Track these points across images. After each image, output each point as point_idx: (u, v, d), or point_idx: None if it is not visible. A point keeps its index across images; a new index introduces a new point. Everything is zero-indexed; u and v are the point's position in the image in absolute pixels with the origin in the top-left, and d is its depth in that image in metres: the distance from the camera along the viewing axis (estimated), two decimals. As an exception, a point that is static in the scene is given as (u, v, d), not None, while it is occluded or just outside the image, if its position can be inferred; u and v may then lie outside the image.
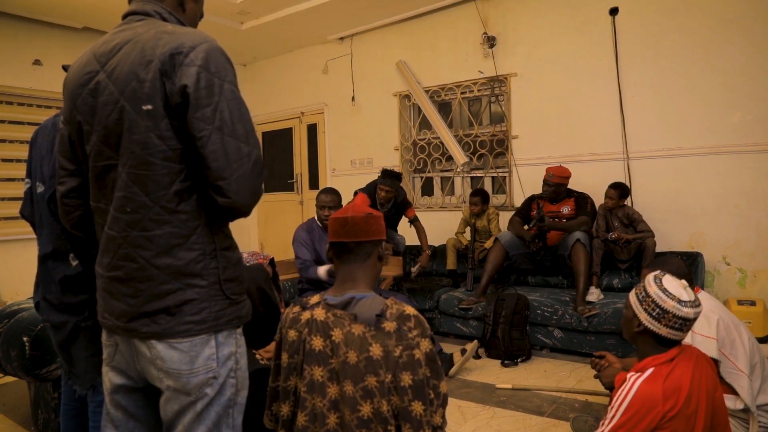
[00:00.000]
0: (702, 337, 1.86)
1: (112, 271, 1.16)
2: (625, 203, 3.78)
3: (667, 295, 1.49)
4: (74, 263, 1.62)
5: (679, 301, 1.48)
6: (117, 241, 1.14)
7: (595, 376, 2.02)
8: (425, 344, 1.22)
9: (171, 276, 1.12)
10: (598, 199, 3.83)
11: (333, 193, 3.29)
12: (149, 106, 1.07)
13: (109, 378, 1.27)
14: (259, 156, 1.14)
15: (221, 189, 1.09)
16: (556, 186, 3.80)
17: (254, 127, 1.17)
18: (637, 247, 3.64)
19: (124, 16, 1.22)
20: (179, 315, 1.12)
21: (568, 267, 3.71)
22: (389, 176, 3.84)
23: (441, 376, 1.25)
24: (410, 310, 1.26)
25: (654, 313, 1.50)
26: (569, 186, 3.86)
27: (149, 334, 1.13)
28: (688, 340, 1.83)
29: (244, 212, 1.15)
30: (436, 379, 1.23)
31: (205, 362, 1.15)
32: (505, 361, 3.40)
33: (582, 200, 3.82)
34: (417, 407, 1.19)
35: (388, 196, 3.84)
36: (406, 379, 1.19)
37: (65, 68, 1.34)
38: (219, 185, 1.09)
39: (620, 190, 3.74)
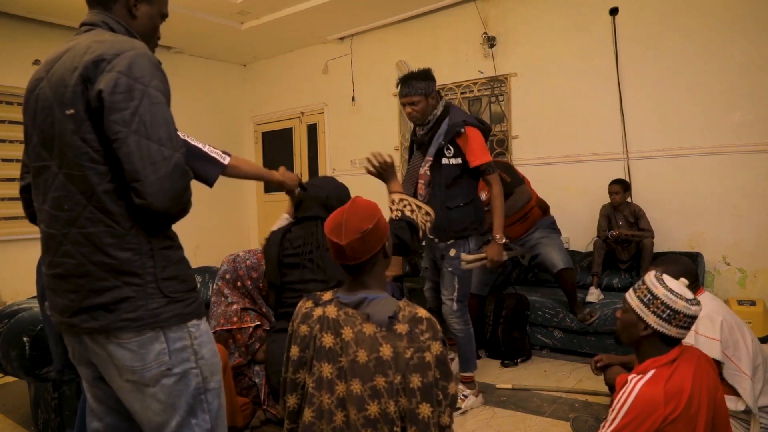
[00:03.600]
0: (705, 339, 1.86)
1: (54, 268, 1.21)
2: (629, 200, 3.74)
3: (675, 295, 1.48)
4: None
5: (687, 301, 1.48)
6: (57, 239, 1.20)
7: (597, 371, 2.03)
8: (436, 347, 1.22)
9: (107, 273, 1.17)
10: (598, 200, 3.83)
11: None
12: (71, 111, 1.14)
13: (82, 372, 1.33)
14: (180, 159, 1.16)
15: (137, 191, 1.12)
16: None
17: (177, 132, 1.20)
18: (637, 246, 3.64)
19: (80, 26, 1.28)
20: (117, 312, 1.17)
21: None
22: (406, 80, 2.65)
23: (450, 378, 1.25)
24: (423, 312, 1.26)
25: (664, 315, 1.48)
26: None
27: (88, 329, 1.18)
28: (691, 341, 1.83)
29: (165, 215, 1.16)
30: (445, 380, 1.24)
31: (156, 357, 1.20)
32: (505, 362, 3.41)
33: (503, 169, 3.28)
34: (424, 409, 1.19)
35: (414, 111, 2.65)
36: (416, 381, 1.19)
37: (38, 63, 1.43)
38: (134, 186, 1.12)
39: (623, 185, 3.70)
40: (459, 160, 2.64)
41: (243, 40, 5.55)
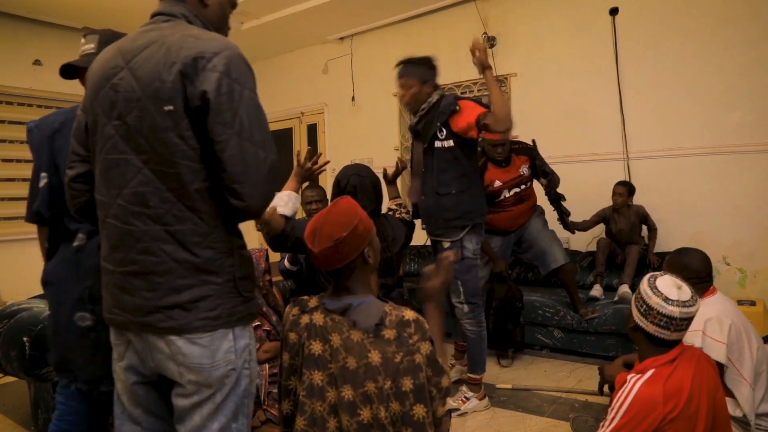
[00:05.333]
0: (712, 341, 1.86)
1: (128, 265, 1.17)
2: (632, 202, 3.70)
3: (654, 292, 1.50)
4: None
5: (665, 299, 1.48)
6: (135, 235, 1.15)
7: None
8: (425, 347, 1.22)
9: (189, 271, 1.15)
10: (598, 200, 3.83)
11: (317, 187, 3.22)
12: (170, 107, 1.10)
13: (124, 376, 1.28)
14: (274, 162, 1.18)
15: (236, 192, 1.12)
16: (505, 143, 3.20)
17: (271, 134, 1.20)
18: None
19: (152, 16, 1.25)
20: (195, 311, 1.15)
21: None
22: (404, 62, 2.64)
23: (442, 372, 1.25)
24: (410, 314, 1.24)
25: (642, 310, 1.53)
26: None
27: (166, 329, 1.15)
28: (698, 342, 1.83)
29: (257, 216, 1.21)
30: (437, 376, 1.23)
31: (225, 355, 1.19)
32: (501, 361, 3.37)
33: (529, 152, 3.34)
34: (419, 411, 1.19)
35: (405, 95, 2.60)
36: (407, 384, 1.19)
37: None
38: (234, 188, 1.12)
39: (628, 188, 3.68)
40: (451, 143, 2.50)
41: (243, 40, 5.55)
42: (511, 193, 3.27)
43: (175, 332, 1.15)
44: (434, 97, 2.58)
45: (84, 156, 1.29)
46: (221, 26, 1.34)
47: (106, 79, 1.18)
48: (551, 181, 3.32)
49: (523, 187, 3.31)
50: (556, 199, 3.41)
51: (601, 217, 3.78)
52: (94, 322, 1.61)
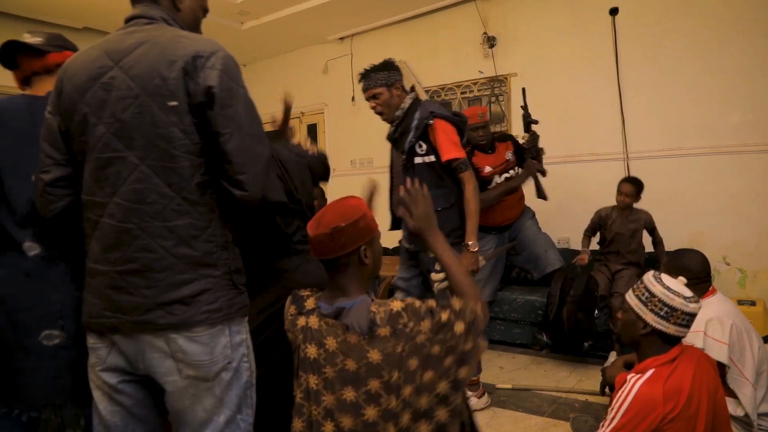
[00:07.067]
0: (713, 341, 1.86)
1: (125, 264, 1.17)
2: (635, 206, 3.39)
3: (672, 293, 1.49)
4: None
5: (685, 298, 1.48)
6: (133, 233, 1.16)
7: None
8: (425, 325, 1.19)
9: (189, 266, 1.17)
10: (599, 200, 3.82)
11: (315, 186, 3.23)
12: (174, 103, 1.14)
13: (106, 377, 1.25)
14: (270, 156, 1.24)
15: (240, 183, 1.17)
16: (485, 125, 3.20)
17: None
18: (637, 248, 3.48)
19: (128, 20, 1.26)
20: (195, 305, 1.17)
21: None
22: (365, 74, 2.46)
23: (452, 324, 1.18)
24: (396, 305, 1.22)
25: (662, 313, 1.49)
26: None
27: (166, 325, 1.15)
28: (699, 343, 1.83)
29: (256, 204, 1.24)
30: (450, 337, 1.18)
31: (222, 350, 1.21)
32: (576, 353, 3.19)
33: (510, 137, 3.39)
34: (428, 376, 1.16)
35: (378, 105, 2.46)
36: (413, 363, 1.17)
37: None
38: (239, 179, 1.17)
39: (636, 186, 3.30)
40: (432, 158, 2.38)
41: (243, 40, 5.55)
42: (502, 178, 3.24)
43: (174, 328, 1.15)
44: (407, 101, 2.44)
45: (59, 159, 1.26)
46: (194, 30, 1.36)
47: (92, 79, 1.19)
48: (533, 135, 3.27)
49: (511, 172, 3.27)
50: (535, 156, 3.28)
51: (596, 224, 3.52)
52: (65, 339, 1.41)
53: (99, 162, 1.18)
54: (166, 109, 1.14)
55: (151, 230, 1.15)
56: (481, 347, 1.20)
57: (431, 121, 2.35)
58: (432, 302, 1.23)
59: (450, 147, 2.34)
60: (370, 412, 1.19)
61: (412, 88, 2.50)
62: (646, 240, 3.52)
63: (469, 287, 1.28)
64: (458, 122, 2.43)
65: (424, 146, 2.39)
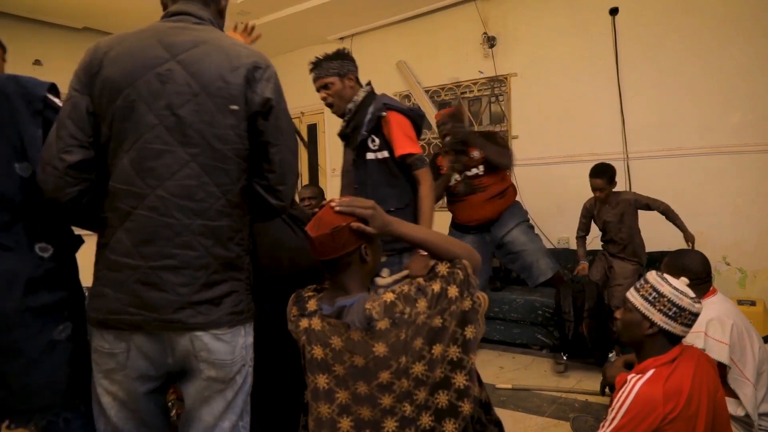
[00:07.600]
0: (714, 342, 1.86)
1: (162, 259, 1.12)
2: (617, 190, 3.42)
3: (680, 293, 1.49)
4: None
5: (692, 299, 1.49)
6: (175, 228, 1.13)
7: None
8: (421, 305, 1.19)
9: (222, 267, 1.18)
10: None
11: (313, 186, 3.24)
12: (236, 107, 1.17)
13: (122, 386, 1.18)
14: (298, 169, 1.30)
15: (279, 193, 1.25)
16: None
17: None
18: (635, 249, 3.51)
19: (174, 14, 1.25)
20: (222, 306, 1.17)
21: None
22: (316, 63, 2.27)
23: (455, 299, 1.20)
24: (389, 296, 1.21)
25: (671, 313, 1.48)
26: None
27: (194, 325, 1.14)
28: (700, 343, 1.83)
29: (285, 213, 1.34)
30: (441, 302, 1.19)
31: (240, 351, 1.23)
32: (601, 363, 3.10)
33: (487, 135, 3.33)
34: (436, 350, 1.18)
35: (328, 96, 2.27)
36: (418, 343, 1.18)
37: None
38: (279, 189, 1.24)
39: (607, 175, 3.26)
40: (386, 153, 2.19)
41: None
42: (461, 176, 3.21)
43: (201, 327, 1.15)
44: (360, 94, 2.25)
45: (84, 141, 1.16)
46: None
47: (147, 67, 1.14)
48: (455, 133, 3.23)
49: (474, 171, 3.24)
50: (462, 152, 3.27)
51: (586, 217, 3.57)
52: (72, 331, 1.26)
53: (145, 152, 1.13)
54: (225, 111, 1.16)
55: (194, 228, 1.14)
56: (480, 302, 1.22)
57: (384, 113, 2.16)
58: (419, 279, 1.24)
59: (405, 142, 2.15)
60: (386, 400, 1.19)
61: (369, 83, 2.33)
62: (647, 240, 3.52)
63: (453, 246, 1.30)
64: (414, 116, 2.24)
65: (377, 141, 2.19)
